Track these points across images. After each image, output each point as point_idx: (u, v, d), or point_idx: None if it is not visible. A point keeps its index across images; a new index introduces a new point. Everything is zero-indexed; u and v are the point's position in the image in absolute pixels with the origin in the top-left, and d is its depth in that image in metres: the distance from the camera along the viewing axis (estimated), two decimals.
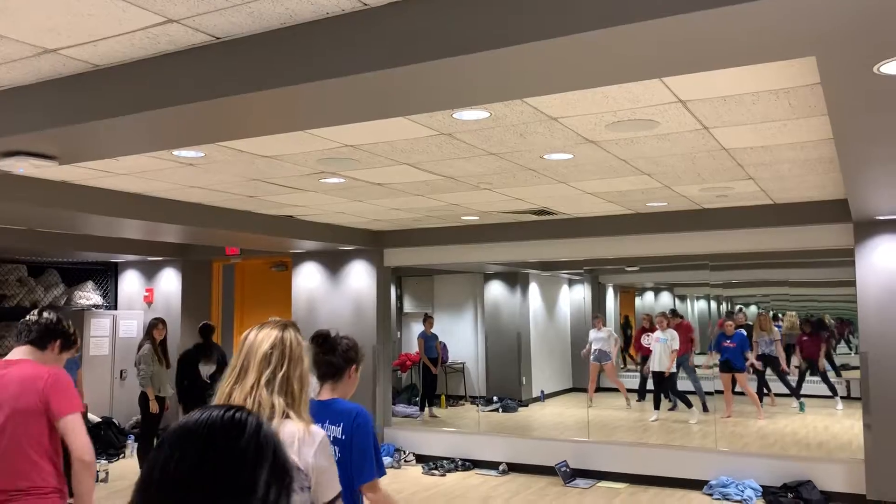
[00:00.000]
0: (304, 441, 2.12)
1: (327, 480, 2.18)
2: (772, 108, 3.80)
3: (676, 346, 9.45)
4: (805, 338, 10.03)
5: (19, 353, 3.09)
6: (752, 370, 9.71)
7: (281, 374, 2.15)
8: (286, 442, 2.04)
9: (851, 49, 2.32)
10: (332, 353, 2.86)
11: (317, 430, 2.18)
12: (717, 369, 9.52)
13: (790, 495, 6.72)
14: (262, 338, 2.20)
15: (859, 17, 2.07)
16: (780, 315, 10.60)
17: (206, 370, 7.97)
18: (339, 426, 2.80)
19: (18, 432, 2.87)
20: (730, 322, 9.60)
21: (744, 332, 9.57)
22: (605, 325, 11.01)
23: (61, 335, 3.18)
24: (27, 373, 2.96)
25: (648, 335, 10.04)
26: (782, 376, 9.96)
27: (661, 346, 9.54)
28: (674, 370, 9.49)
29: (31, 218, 6.17)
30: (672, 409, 9.97)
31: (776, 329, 10.15)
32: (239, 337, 2.27)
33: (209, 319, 10.39)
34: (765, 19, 2.08)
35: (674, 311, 11.04)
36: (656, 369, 9.61)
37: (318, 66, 2.61)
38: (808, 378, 9.92)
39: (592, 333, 10.81)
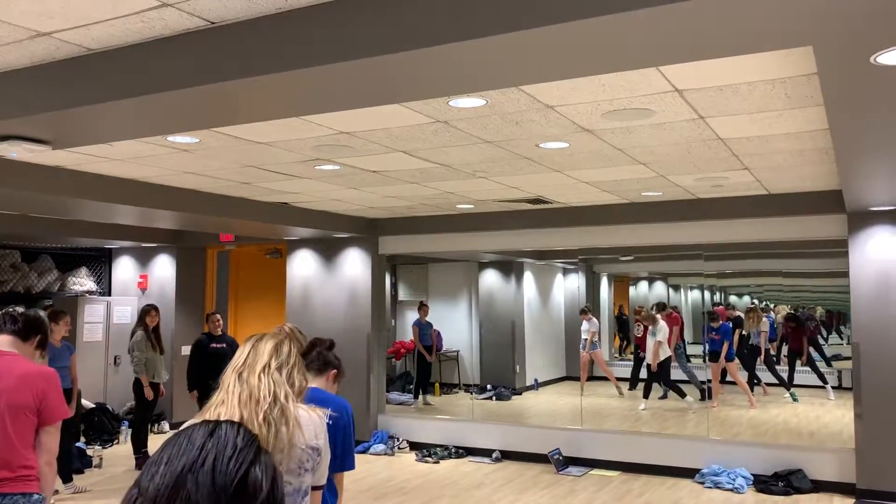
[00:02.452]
0: (318, 424, 2.21)
1: (326, 463, 2.25)
2: (768, 98, 3.80)
3: (661, 338, 9.53)
4: (790, 329, 10.11)
5: (4, 342, 3.10)
6: (733, 358, 9.75)
7: (289, 365, 2.28)
8: (303, 424, 2.19)
9: (849, 39, 2.32)
10: (329, 350, 3.14)
11: (323, 413, 2.27)
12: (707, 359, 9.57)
13: (781, 484, 6.77)
14: (269, 333, 2.37)
15: (857, 7, 2.06)
16: (771, 306, 10.64)
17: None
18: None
19: (9, 422, 2.88)
20: (718, 312, 9.66)
21: (730, 323, 9.62)
22: (592, 315, 11.08)
23: (42, 332, 3.24)
24: (25, 369, 3.00)
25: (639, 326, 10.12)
26: (771, 367, 10.01)
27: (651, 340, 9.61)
28: (661, 360, 9.55)
29: (24, 203, 6.15)
30: (663, 397, 10.02)
31: (765, 320, 10.20)
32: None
33: (203, 306, 10.39)
34: (762, 8, 2.07)
35: (663, 305, 11.07)
36: (649, 361, 9.68)
37: (314, 52, 2.59)
38: (797, 368, 9.97)
39: (584, 324, 10.90)
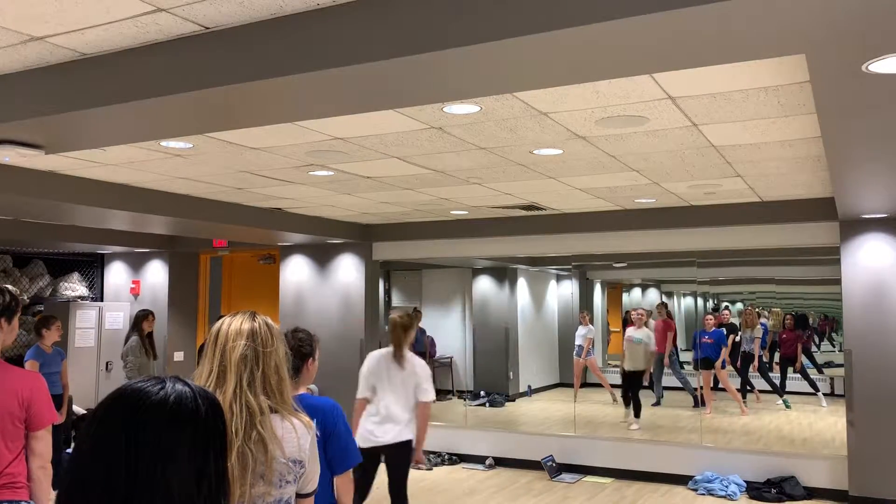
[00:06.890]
0: (301, 433, 2.14)
1: (315, 471, 2.21)
2: (761, 106, 3.82)
3: (653, 346, 9.60)
4: (784, 335, 10.10)
5: None
6: (726, 365, 9.75)
7: (259, 374, 2.11)
8: (285, 437, 2.09)
9: (841, 47, 2.33)
10: (293, 336, 2.95)
11: (308, 420, 2.20)
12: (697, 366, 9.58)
13: (774, 490, 6.78)
14: (233, 335, 2.14)
15: (849, 16, 2.08)
16: (764, 312, 10.66)
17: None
18: (314, 421, 2.83)
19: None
20: (710, 317, 9.66)
21: (723, 329, 9.63)
22: (591, 321, 11.05)
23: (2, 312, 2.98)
24: (8, 376, 2.90)
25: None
26: (764, 373, 10.02)
27: (635, 346, 9.62)
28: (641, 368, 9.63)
29: (16, 207, 6.12)
30: (656, 404, 10.01)
31: (759, 326, 10.20)
32: None
33: (196, 311, 10.36)
34: (755, 17, 2.08)
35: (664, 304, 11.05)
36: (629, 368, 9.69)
37: (308, 58, 2.59)
38: (789, 375, 9.98)
39: (580, 329, 10.88)
